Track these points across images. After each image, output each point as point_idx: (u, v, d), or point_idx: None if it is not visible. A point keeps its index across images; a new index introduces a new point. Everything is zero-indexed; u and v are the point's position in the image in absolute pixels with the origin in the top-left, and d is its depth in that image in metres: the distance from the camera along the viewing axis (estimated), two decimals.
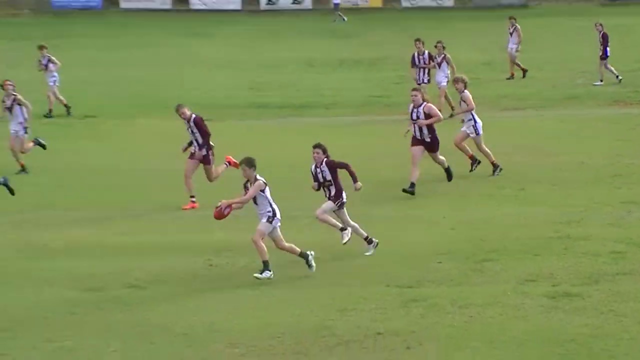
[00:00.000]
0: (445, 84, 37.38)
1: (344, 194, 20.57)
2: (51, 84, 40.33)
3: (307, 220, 22.64)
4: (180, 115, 25.63)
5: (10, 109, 29.05)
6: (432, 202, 25.32)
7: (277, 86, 48.01)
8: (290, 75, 51.69)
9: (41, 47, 41.19)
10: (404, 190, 25.46)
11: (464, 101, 27.88)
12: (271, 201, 19.29)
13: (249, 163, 19.24)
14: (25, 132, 29.22)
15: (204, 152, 25.44)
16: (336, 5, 77.46)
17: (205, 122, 26.01)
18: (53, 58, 40.57)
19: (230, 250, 21.18)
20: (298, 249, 19.52)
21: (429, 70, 37.77)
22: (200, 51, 62.79)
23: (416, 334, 15.92)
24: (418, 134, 25.77)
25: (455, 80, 28.71)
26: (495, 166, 27.78)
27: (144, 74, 52.81)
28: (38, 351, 15.78)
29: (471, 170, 27.79)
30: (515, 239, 21.54)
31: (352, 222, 20.64)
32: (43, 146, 29.36)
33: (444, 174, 26.95)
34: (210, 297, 18.34)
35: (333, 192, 20.48)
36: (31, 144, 29.17)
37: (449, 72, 37.43)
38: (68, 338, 16.21)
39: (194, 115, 25.58)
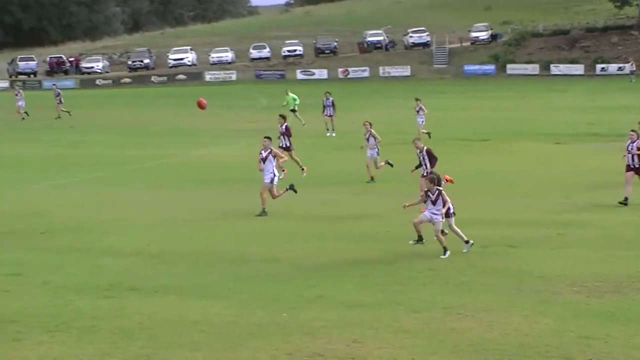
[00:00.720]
0: None
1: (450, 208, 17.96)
2: (420, 122, 40.14)
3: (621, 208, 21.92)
4: (415, 146, 24.05)
5: (367, 139, 28.51)
6: None
7: (605, 122, 46.26)
8: (613, 115, 49.77)
9: (416, 99, 40.95)
10: (620, 202, 23.13)
11: None
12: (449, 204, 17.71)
13: (432, 180, 18.01)
14: (377, 154, 28.47)
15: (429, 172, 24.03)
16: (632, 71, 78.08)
17: (434, 153, 24.03)
18: (423, 107, 40.23)
19: (574, 225, 20.56)
20: (444, 243, 17.82)
21: None
22: (556, 101, 61.72)
23: None
24: (631, 162, 23.43)
25: None
26: None
27: (519, 115, 52.33)
28: (447, 286, 15.71)
29: None
30: None
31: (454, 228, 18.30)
32: (391, 165, 28.30)
33: None
34: (558, 253, 17.69)
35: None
36: (383, 163, 28.37)
37: None
38: (465, 276, 16.10)
39: (425, 147, 24.06)
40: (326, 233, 20.42)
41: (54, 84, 71.42)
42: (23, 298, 14.80)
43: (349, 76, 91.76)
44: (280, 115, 30.09)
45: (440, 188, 17.91)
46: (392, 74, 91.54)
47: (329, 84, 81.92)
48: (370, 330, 12.84)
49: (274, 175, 22.87)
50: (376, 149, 28.51)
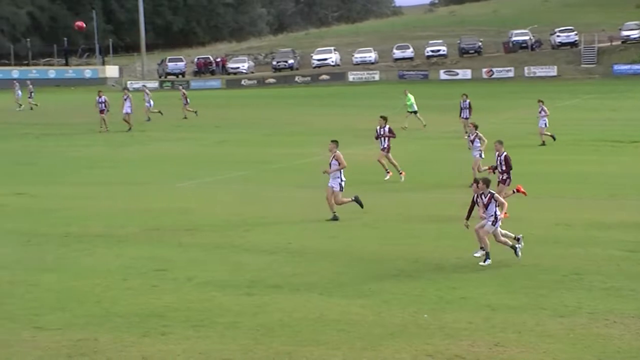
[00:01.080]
0: None
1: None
2: (542, 125, 38.79)
3: None
4: (495, 148, 22.86)
5: (472, 142, 27.62)
6: None
7: None
8: None
9: (539, 101, 39.40)
10: None
11: None
12: (496, 209, 17.06)
13: (486, 182, 17.23)
14: (481, 157, 27.35)
15: (504, 177, 22.65)
16: None
17: (510, 161, 22.73)
18: (545, 108, 38.74)
19: None
20: (510, 242, 17.18)
21: None
22: None
23: None
24: None
25: None
26: None
27: None
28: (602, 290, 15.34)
29: None
30: None
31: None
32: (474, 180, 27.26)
33: None
34: None
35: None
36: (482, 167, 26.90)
37: None
38: (612, 281, 15.66)
39: (504, 152, 22.77)
40: (467, 234, 20.18)
41: (180, 85, 72.89)
42: (169, 293, 15.18)
43: (493, 76, 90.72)
44: (381, 117, 29.97)
45: (493, 192, 17.37)
46: (537, 74, 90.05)
47: (472, 84, 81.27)
48: (513, 334, 12.63)
49: (341, 180, 22.58)
50: (480, 152, 27.64)
